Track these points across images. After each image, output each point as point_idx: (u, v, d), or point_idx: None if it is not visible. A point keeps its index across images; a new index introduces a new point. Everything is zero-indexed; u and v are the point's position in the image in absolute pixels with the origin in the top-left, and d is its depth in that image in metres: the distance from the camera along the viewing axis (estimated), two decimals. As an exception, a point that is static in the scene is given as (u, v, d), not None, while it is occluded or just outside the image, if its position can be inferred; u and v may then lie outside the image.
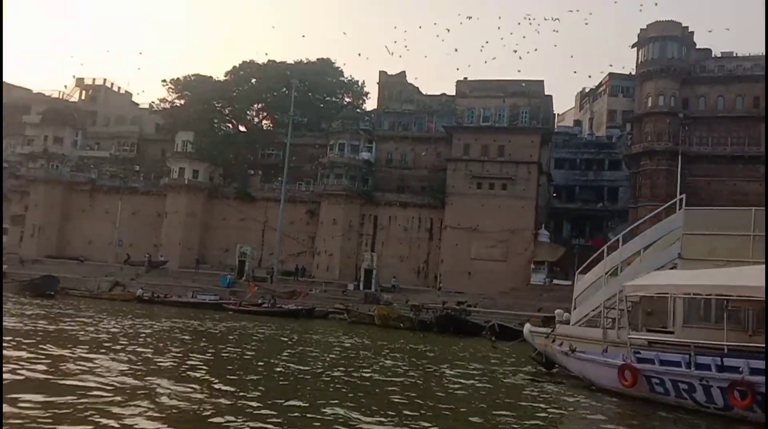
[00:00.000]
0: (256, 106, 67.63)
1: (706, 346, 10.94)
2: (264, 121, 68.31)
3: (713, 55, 51.29)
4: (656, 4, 77.96)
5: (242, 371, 11.40)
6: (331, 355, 15.62)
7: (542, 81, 56.56)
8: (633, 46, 53.43)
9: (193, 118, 63.08)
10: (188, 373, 10.85)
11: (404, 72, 63.21)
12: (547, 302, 46.23)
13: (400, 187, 59.61)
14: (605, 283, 14.06)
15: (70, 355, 11.86)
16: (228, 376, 10.73)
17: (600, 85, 71.85)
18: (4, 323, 15.55)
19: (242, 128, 66.96)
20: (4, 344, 11.10)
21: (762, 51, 50.15)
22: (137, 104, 71.93)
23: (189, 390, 9.00)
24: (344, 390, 9.51)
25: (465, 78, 58.75)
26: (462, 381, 12.12)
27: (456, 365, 16.28)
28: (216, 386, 9.14)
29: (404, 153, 60.34)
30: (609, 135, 64.09)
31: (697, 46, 51.52)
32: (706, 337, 11.46)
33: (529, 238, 53.79)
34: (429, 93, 62.63)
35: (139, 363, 11.15)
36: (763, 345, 10.55)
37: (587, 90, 74.74)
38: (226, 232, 61.05)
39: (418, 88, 62.68)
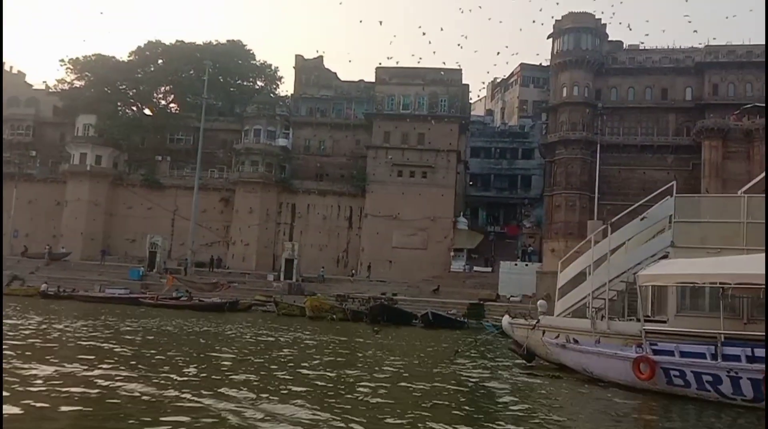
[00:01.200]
0: (163, 88, 64.22)
1: (701, 335, 10.86)
2: (172, 105, 65.00)
3: (624, 47, 53.10)
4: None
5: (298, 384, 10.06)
6: (326, 358, 14.55)
7: (460, 70, 56.94)
8: (549, 37, 54.54)
9: (95, 100, 59.13)
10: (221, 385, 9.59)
11: (321, 57, 61.90)
12: (471, 289, 46.87)
13: (319, 174, 58.45)
14: (592, 273, 13.84)
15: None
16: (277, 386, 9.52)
17: (511, 75, 73.20)
18: None
19: (148, 112, 63.43)
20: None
21: (669, 44, 52.62)
22: (31, 85, 66.60)
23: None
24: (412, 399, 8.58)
25: (389, 60, 58.05)
26: (468, 376, 11.52)
27: (444, 360, 15.70)
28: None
29: (323, 140, 59.12)
30: (522, 124, 65.46)
31: (609, 38, 53.12)
32: (700, 325, 11.40)
33: (448, 225, 54.08)
34: (347, 79, 61.57)
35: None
36: (759, 333, 10.56)
37: (499, 80, 76.02)
38: (133, 222, 57.79)
39: (335, 73, 61.54)
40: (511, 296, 42.68)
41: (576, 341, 11.74)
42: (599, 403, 9.77)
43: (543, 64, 70.91)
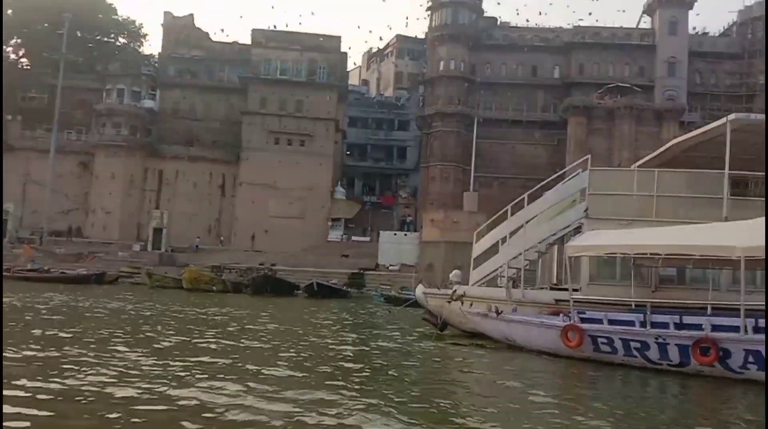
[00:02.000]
0: (13, 41, 58.12)
1: (613, 303, 11.26)
2: (23, 59, 59.11)
3: (498, 24, 54.55)
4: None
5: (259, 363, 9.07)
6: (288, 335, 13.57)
7: (339, 37, 56.08)
8: (428, 10, 54.95)
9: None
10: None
11: (192, 15, 58.50)
12: (351, 258, 46.80)
13: (189, 139, 55.63)
14: (508, 243, 13.95)
15: None
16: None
17: (387, 46, 73.35)
18: None
19: (-7, 66, 57.15)
20: None
21: (542, 23, 54.64)
22: None
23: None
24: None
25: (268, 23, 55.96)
26: (391, 352, 11.22)
27: (361, 334, 15.29)
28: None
29: (193, 103, 56.26)
30: (398, 96, 65.86)
31: (485, 14, 54.34)
32: (612, 293, 11.83)
33: (326, 195, 53.59)
34: (221, 41, 58.82)
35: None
36: (666, 300, 11.11)
37: (375, 50, 75.95)
38: (-23, 187, 52.19)
39: (207, 33, 58.51)
40: (390, 265, 43.09)
41: (499, 311, 11.82)
42: (528, 369, 9.86)
43: (419, 37, 71.82)
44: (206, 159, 54.28)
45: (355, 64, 76.31)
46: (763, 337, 8.74)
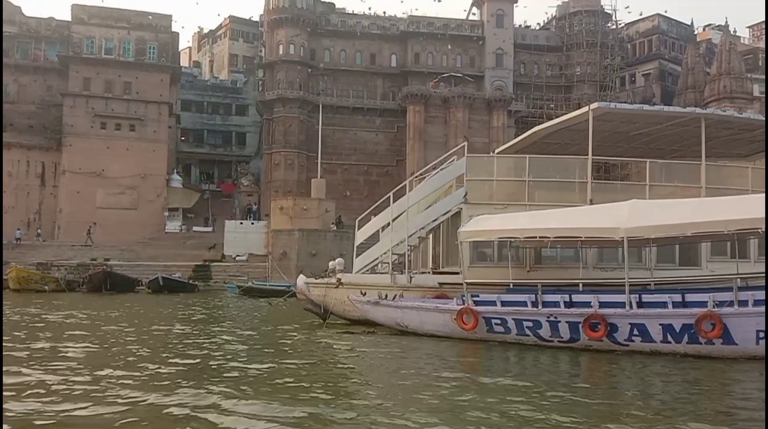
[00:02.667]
0: None
1: (491, 283, 11.78)
2: None
3: (336, 10, 54.59)
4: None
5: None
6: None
7: (170, 16, 53.04)
8: (264, -8, 53.69)
9: None
10: None
11: (-1, -15, 52.33)
12: (192, 250, 44.90)
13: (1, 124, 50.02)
14: (391, 230, 13.96)
15: None
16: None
17: (220, 27, 70.80)
18: None
19: None
20: None
21: (381, 11, 55.40)
22: None
23: None
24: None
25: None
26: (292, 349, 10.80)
27: (236, 327, 14.52)
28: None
29: (6, 84, 50.59)
30: (234, 80, 63.89)
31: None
32: (491, 275, 12.35)
33: (161, 183, 50.80)
34: (34, 15, 53.40)
35: None
36: (542, 279, 11.79)
37: (206, 31, 72.97)
38: None
39: (19, 7, 52.81)
40: (237, 256, 41.91)
41: (393, 297, 11.86)
42: (427, 353, 10.00)
43: (253, 18, 70.14)
44: (22, 145, 49.20)
45: (188, 42, 72.88)
46: (646, 311, 9.54)
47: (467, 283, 11.32)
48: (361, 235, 14.82)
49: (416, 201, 13.79)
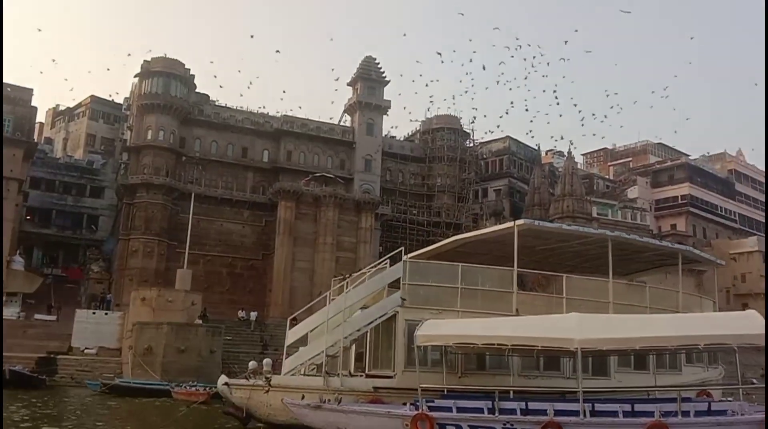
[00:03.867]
0: None
1: (429, 389, 12.09)
2: None
3: (211, 101, 54.67)
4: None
5: None
6: None
7: (31, 90, 50.44)
8: (136, 76, 52.82)
9: None
10: None
11: None
12: (34, 340, 40.86)
13: None
14: (327, 330, 13.79)
15: None
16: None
17: (79, 105, 67.97)
18: None
19: None
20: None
21: (249, 106, 56.18)
22: None
23: None
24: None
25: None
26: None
27: None
28: None
29: None
30: (91, 160, 60.96)
31: (197, 90, 54.10)
32: (424, 380, 12.64)
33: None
34: None
35: None
36: (475, 386, 12.33)
37: (62, 107, 69.63)
38: None
39: None
40: (86, 348, 38.64)
41: (339, 401, 11.67)
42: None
43: (115, 100, 68.23)
44: None
45: (40, 117, 68.85)
46: (599, 419, 10.28)
47: (425, 389, 11.47)
48: (292, 336, 14.59)
49: (353, 302, 13.96)
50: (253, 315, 43.57)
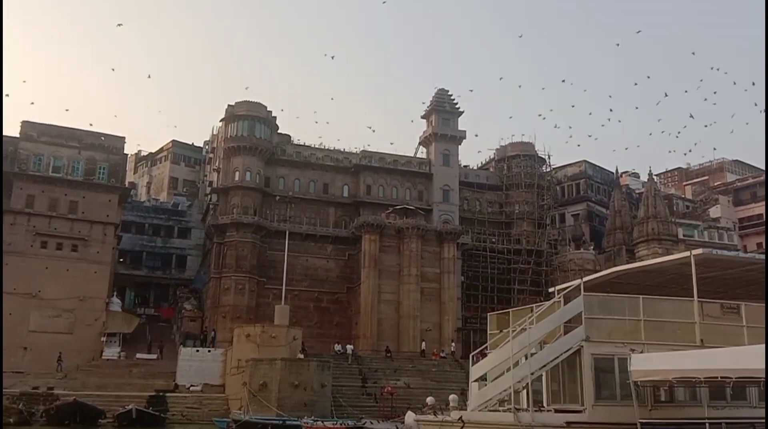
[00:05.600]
0: None
1: (618, 423, 12.21)
2: None
3: (293, 142, 56.17)
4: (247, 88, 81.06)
5: None
6: None
7: (123, 138, 52.83)
8: (221, 120, 54.77)
9: None
10: None
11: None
12: (139, 379, 42.26)
13: (-72, 239, 46.59)
14: (512, 367, 14.06)
15: None
16: None
17: (161, 150, 70.66)
18: None
19: None
20: None
21: (330, 145, 57.41)
22: None
23: None
24: None
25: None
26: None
27: None
28: None
29: (-61, 197, 47.69)
30: (176, 202, 63.09)
31: (279, 131, 55.68)
32: (615, 414, 12.76)
33: (100, 307, 48.23)
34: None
35: None
36: (665, 419, 12.33)
37: (144, 153, 72.51)
38: None
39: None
40: (191, 385, 39.73)
41: None
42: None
43: (195, 144, 70.75)
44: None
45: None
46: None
47: (605, 422, 11.61)
48: (477, 371, 14.89)
49: (537, 338, 14.21)
50: (350, 348, 44.14)
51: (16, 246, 46.78)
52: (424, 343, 48.41)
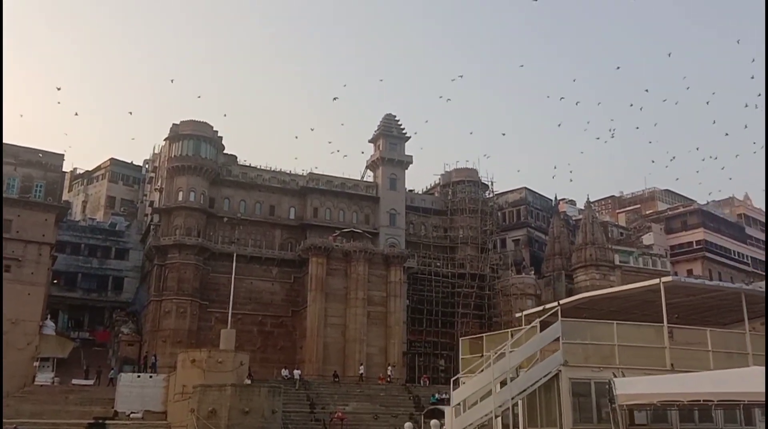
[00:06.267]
0: None
1: None
2: None
3: (239, 162, 55.52)
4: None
5: None
6: None
7: (62, 155, 51.07)
8: (165, 139, 53.75)
9: None
10: None
11: None
12: (76, 406, 40.48)
13: None
14: (494, 391, 14.14)
15: None
16: None
17: (98, 168, 68.57)
18: None
19: None
20: None
21: (277, 166, 57.04)
22: None
23: None
24: None
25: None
26: None
27: None
28: None
29: None
30: (113, 222, 61.18)
31: (225, 151, 54.96)
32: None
33: (33, 330, 46.03)
34: None
35: None
36: None
37: (80, 171, 70.14)
38: None
39: None
40: (132, 413, 38.32)
41: None
42: None
43: (134, 163, 69.03)
44: None
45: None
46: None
47: None
48: (457, 396, 14.94)
49: (517, 363, 14.40)
50: (297, 373, 43.62)
51: (-58, 266, 44.40)
52: (362, 366, 48.04)
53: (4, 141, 49.50)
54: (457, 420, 14.54)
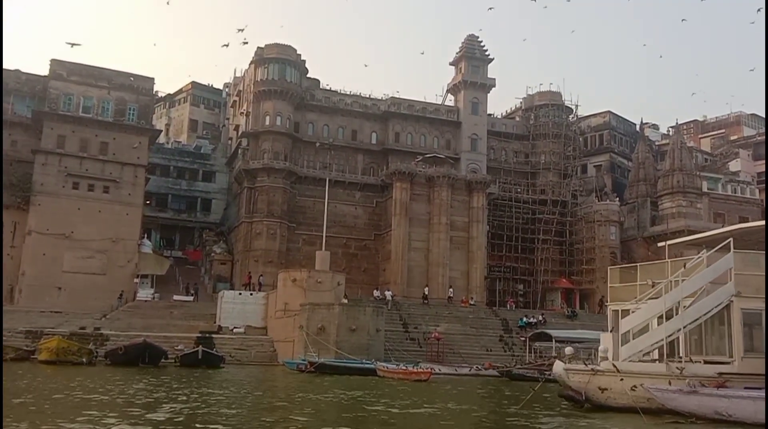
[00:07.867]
0: None
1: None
2: None
3: (321, 86, 55.55)
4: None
5: None
6: None
7: (152, 79, 52.16)
8: (251, 63, 53.96)
9: None
10: None
11: (-32, 32, 49.25)
12: (180, 320, 42.76)
13: (-41, 178, 46.17)
14: (665, 321, 14.36)
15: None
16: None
17: (180, 91, 69.63)
18: None
19: None
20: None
21: (359, 91, 56.84)
22: None
23: None
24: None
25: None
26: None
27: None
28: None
29: (-31, 135, 47.08)
30: (198, 145, 62.58)
31: (308, 75, 54.95)
32: (762, 365, 13.19)
33: (133, 248, 48.48)
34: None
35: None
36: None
37: (161, 94, 71.29)
38: None
39: (-12, 56, 49.65)
40: (234, 327, 40.33)
41: (721, 383, 12.37)
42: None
43: (214, 86, 69.73)
44: (-18, 202, 45.52)
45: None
46: None
47: (754, 373, 12.04)
48: (626, 324, 15.19)
49: (689, 293, 14.50)
50: (389, 294, 44.74)
51: (47, 186, 46.65)
52: (451, 289, 49.08)
53: (97, 64, 50.91)
54: (627, 346, 14.77)
